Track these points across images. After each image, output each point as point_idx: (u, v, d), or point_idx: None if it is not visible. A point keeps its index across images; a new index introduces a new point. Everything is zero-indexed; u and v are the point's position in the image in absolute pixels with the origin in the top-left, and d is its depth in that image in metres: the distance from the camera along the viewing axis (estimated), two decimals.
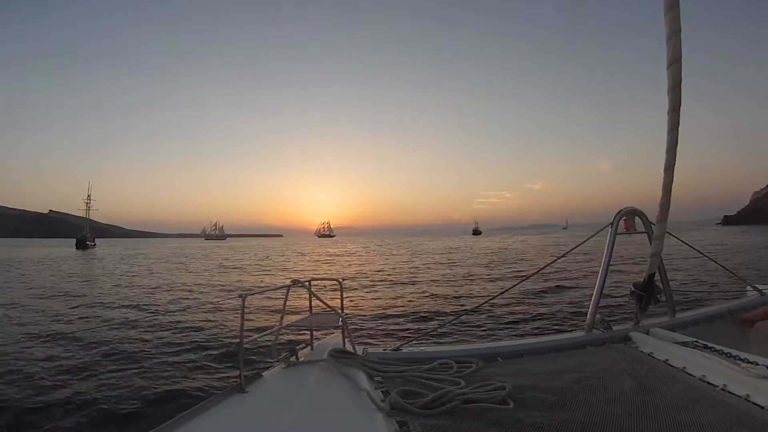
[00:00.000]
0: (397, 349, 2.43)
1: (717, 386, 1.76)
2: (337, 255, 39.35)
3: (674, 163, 2.37)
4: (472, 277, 15.90)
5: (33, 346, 7.10)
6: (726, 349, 2.08)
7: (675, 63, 2.20)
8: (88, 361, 6.13)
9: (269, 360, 2.14)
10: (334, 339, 2.41)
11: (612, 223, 2.79)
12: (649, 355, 2.24)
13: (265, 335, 2.18)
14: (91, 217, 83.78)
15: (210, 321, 8.83)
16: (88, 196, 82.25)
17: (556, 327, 7.58)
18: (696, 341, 2.28)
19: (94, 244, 70.77)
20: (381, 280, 15.64)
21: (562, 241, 46.05)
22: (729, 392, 1.71)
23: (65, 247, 65.23)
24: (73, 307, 11.16)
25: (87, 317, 9.80)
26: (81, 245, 63.91)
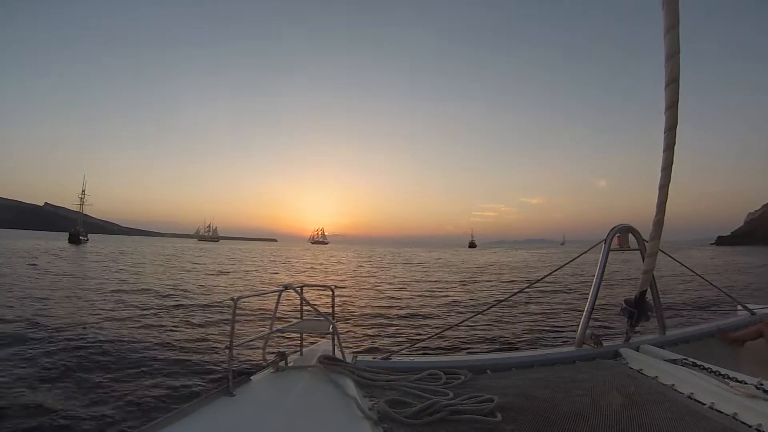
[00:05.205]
0: (386, 358, 2.43)
1: (705, 404, 1.78)
2: (328, 263, 39.14)
3: (669, 182, 2.39)
4: (463, 290, 15.86)
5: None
6: (715, 368, 2.09)
7: (672, 83, 2.23)
8: (67, 362, 5.81)
9: (258, 364, 2.13)
10: (324, 345, 2.40)
11: (605, 240, 2.81)
12: (638, 371, 2.25)
13: (255, 339, 2.17)
14: (86, 213, 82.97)
15: (199, 322, 8.70)
16: (83, 191, 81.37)
17: (546, 341, 7.56)
18: (685, 359, 2.29)
19: (87, 240, 70.23)
20: (372, 289, 15.54)
21: (561, 257, 45.96)
22: (717, 410, 1.72)
23: (57, 241, 64.46)
24: (52, 302, 10.65)
25: (67, 315, 9.24)
26: (74, 240, 63.70)
